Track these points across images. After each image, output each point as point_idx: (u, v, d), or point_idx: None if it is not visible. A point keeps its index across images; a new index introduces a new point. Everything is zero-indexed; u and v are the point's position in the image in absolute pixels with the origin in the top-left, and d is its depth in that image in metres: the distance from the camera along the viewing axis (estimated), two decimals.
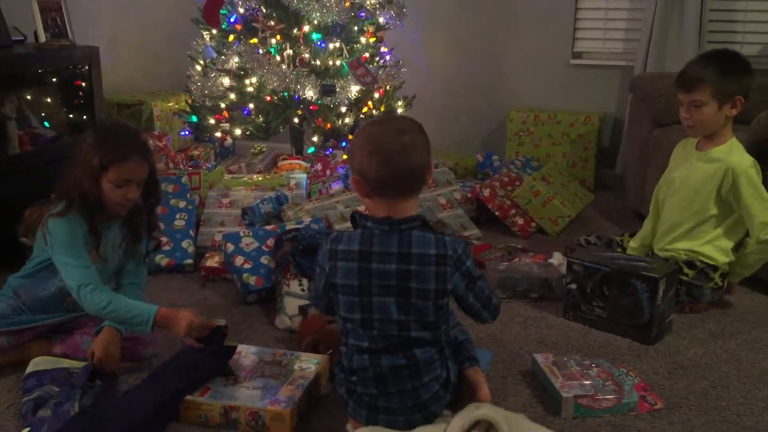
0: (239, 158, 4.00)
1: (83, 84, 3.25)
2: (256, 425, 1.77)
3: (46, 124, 3.16)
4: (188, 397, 1.81)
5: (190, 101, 3.70)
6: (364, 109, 3.58)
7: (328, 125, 3.49)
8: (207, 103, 3.55)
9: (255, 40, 3.44)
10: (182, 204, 2.99)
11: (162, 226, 2.66)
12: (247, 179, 3.28)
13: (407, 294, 1.63)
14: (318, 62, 3.42)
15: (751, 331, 2.33)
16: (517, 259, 2.73)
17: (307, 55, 3.41)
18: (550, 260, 2.67)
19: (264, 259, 2.57)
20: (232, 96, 3.50)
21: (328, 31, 3.44)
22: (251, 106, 3.48)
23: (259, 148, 3.92)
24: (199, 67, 3.60)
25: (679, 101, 2.40)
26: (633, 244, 2.63)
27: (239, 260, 2.56)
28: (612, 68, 3.94)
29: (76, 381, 1.89)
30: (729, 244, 2.42)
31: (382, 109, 3.65)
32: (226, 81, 3.47)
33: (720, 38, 3.64)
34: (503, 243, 2.99)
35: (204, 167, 3.55)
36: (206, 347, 1.93)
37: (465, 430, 1.62)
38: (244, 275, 2.52)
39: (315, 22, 3.38)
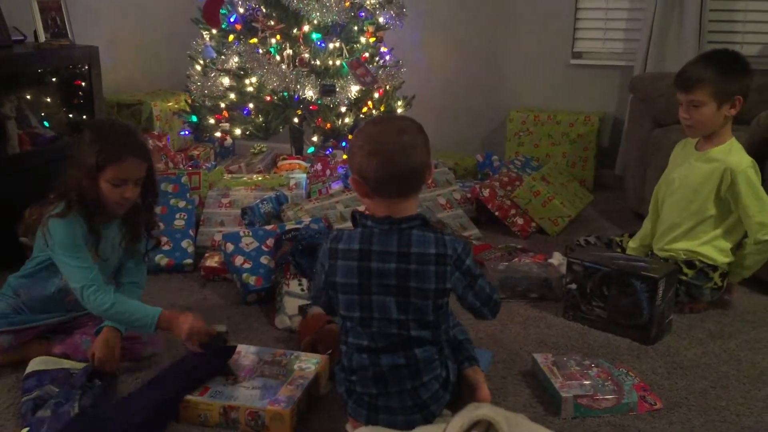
0: (239, 158, 4.00)
1: (83, 84, 3.25)
2: (256, 425, 1.77)
3: (46, 123, 3.16)
4: (188, 397, 1.81)
5: (189, 101, 3.70)
6: (364, 109, 3.58)
7: (328, 125, 3.49)
8: (207, 102, 3.55)
9: (255, 40, 3.44)
10: (182, 204, 2.99)
11: (162, 226, 2.67)
12: (246, 179, 3.28)
13: (407, 293, 1.63)
14: (318, 62, 3.42)
15: (751, 331, 2.33)
16: (516, 259, 2.73)
17: (307, 55, 3.41)
18: (550, 260, 2.67)
19: (264, 259, 2.57)
20: (232, 96, 3.49)
21: (328, 31, 3.44)
22: (251, 105, 3.48)
23: (258, 148, 3.92)
24: (198, 67, 3.59)
25: (678, 101, 2.40)
26: (632, 244, 2.64)
27: (239, 260, 2.56)
28: (612, 68, 3.94)
29: (76, 381, 1.89)
30: (728, 245, 2.42)
31: (382, 109, 3.65)
32: (226, 81, 3.47)
33: (720, 38, 3.64)
34: (503, 243, 2.98)
35: (204, 167, 3.55)
36: (206, 351, 1.93)
37: (465, 430, 1.62)
38: (244, 275, 2.52)
39: (315, 21, 3.38)
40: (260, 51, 3.41)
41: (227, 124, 3.54)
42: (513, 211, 3.20)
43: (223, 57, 3.47)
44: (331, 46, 3.43)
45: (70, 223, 1.96)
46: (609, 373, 1.96)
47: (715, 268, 2.41)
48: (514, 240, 3.09)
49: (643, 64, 3.67)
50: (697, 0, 3.50)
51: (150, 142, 3.55)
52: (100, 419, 1.75)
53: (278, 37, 3.43)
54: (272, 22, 3.40)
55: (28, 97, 3.09)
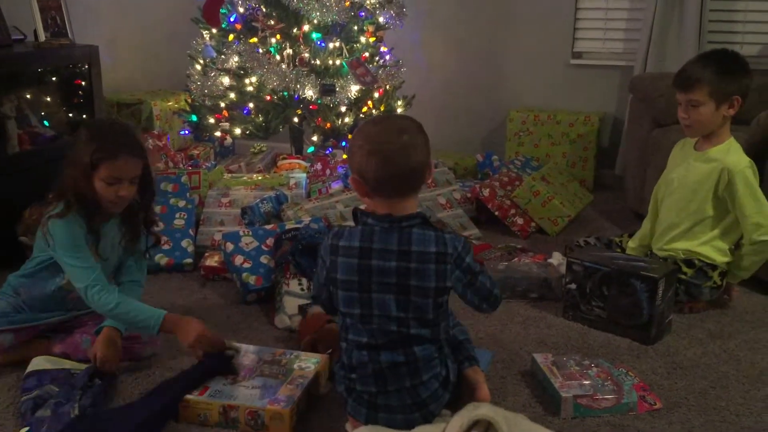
0: (239, 157, 4.00)
1: (83, 83, 3.25)
2: (256, 424, 1.77)
3: (46, 123, 3.16)
4: (187, 396, 1.81)
5: (189, 100, 3.70)
6: (364, 109, 3.58)
7: (328, 125, 3.49)
8: (207, 102, 3.55)
9: (255, 40, 3.44)
10: (182, 203, 2.99)
11: (161, 225, 2.67)
12: (246, 178, 3.28)
13: (407, 291, 1.63)
14: (318, 62, 3.42)
15: (750, 331, 2.33)
16: (516, 259, 2.73)
17: (306, 55, 3.41)
18: (550, 260, 2.67)
19: (263, 259, 2.57)
20: (232, 95, 3.49)
21: (327, 31, 3.44)
22: (251, 105, 3.48)
23: (258, 148, 3.92)
24: (198, 67, 3.59)
25: (677, 101, 2.40)
26: (632, 243, 2.64)
27: (239, 259, 2.56)
28: (612, 68, 3.94)
29: (77, 382, 1.88)
30: (726, 245, 2.42)
31: (382, 108, 3.65)
32: (226, 80, 3.47)
33: (720, 38, 3.64)
34: (503, 243, 2.99)
35: (204, 166, 3.55)
36: (207, 361, 1.93)
37: (464, 429, 1.62)
38: (244, 274, 2.52)
39: (315, 21, 3.38)
40: (260, 50, 3.41)
41: (227, 124, 3.54)
42: (513, 211, 3.20)
43: (223, 56, 3.47)
44: (331, 45, 3.43)
45: (70, 223, 1.96)
46: (609, 373, 1.96)
47: (714, 267, 2.41)
48: (513, 240, 3.09)
49: (643, 64, 3.67)
50: (697, 0, 3.50)
51: (150, 141, 3.55)
52: (100, 419, 1.76)
53: (278, 36, 3.43)
54: (272, 22, 3.40)
55: (28, 96, 3.09)
